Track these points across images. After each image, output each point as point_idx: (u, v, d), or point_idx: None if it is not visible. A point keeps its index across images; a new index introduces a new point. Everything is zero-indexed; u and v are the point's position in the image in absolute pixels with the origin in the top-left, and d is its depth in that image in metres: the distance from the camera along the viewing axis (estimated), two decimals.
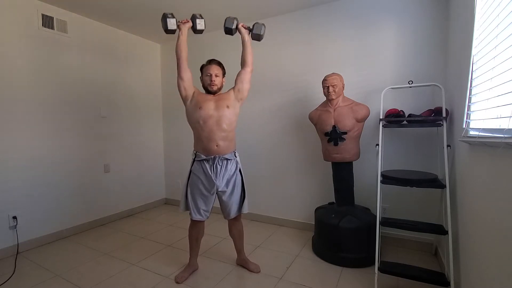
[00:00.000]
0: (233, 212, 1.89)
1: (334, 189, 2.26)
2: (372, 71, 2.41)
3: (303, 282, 1.85)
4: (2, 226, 2.24)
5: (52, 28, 2.56)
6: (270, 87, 2.92)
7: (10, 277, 1.93)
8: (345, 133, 2.05)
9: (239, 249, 2.05)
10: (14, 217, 2.30)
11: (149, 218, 3.22)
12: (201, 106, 1.78)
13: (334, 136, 2.08)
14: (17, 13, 2.32)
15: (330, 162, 2.23)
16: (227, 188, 1.84)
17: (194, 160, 1.85)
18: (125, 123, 3.27)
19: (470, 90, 1.37)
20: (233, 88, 1.89)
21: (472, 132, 1.32)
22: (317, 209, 2.39)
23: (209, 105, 1.79)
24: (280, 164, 2.92)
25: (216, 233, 2.71)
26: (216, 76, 1.84)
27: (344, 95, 2.18)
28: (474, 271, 1.27)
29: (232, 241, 2.06)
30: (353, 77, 2.44)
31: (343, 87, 2.13)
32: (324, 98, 2.21)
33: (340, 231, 2.03)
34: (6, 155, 2.26)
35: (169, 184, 3.82)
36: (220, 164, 1.80)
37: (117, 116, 3.18)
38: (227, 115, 1.80)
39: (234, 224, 1.98)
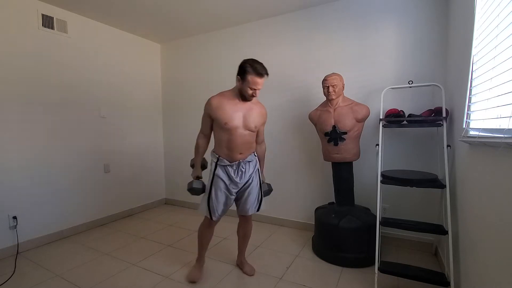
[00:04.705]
0: (252, 208, 1.84)
1: (334, 189, 2.26)
2: (372, 71, 2.41)
3: (303, 282, 1.85)
4: (2, 226, 2.24)
5: (52, 28, 2.56)
6: (269, 87, 2.92)
7: (10, 277, 1.93)
8: (345, 133, 2.05)
9: (241, 249, 2.04)
10: (14, 217, 2.30)
11: (149, 218, 3.22)
12: (227, 122, 1.67)
13: (334, 136, 2.09)
14: (17, 13, 2.32)
15: (330, 162, 2.23)
16: (249, 186, 1.81)
17: (216, 164, 1.77)
18: (125, 123, 3.27)
19: (470, 90, 1.37)
20: (262, 122, 1.88)
21: (472, 132, 1.32)
22: (317, 209, 2.39)
23: (238, 117, 1.69)
24: (280, 164, 2.92)
25: (216, 233, 2.67)
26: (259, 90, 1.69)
27: (344, 95, 2.18)
28: (474, 271, 1.27)
29: (235, 240, 2.05)
30: (353, 77, 2.44)
31: (343, 87, 2.13)
32: (324, 98, 2.21)
33: (340, 231, 2.03)
34: (6, 155, 2.26)
35: (169, 184, 3.82)
36: (244, 168, 1.78)
37: (117, 116, 3.18)
38: (252, 134, 1.78)
39: (245, 224, 1.95)
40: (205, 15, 2.84)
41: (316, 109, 2.28)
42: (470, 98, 1.38)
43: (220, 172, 1.76)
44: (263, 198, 1.89)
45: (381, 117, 1.99)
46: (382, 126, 1.96)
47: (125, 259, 2.19)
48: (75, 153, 2.75)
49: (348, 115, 2.06)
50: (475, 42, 1.33)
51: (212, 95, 1.76)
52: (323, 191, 2.66)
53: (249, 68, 1.61)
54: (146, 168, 3.55)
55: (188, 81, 3.55)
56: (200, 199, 1.85)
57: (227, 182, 1.76)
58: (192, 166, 1.95)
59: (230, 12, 2.77)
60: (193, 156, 1.94)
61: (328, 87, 2.07)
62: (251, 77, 1.61)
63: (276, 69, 2.85)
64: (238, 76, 1.66)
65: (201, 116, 1.81)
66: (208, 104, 1.72)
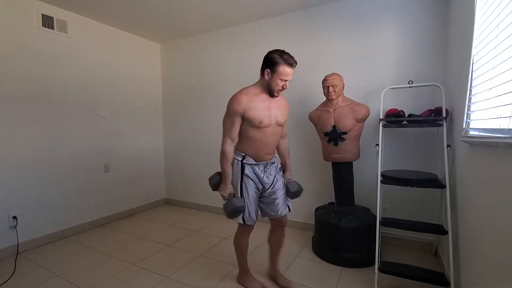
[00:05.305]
0: (281, 209, 1.71)
1: (334, 189, 2.26)
2: (372, 71, 2.41)
3: (303, 282, 1.85)
4: (2, 226, 2.24)
5: (52, 28, 2.56)
6: None
7: (10, 277, 1.93)
8: (345, 133, 2.05)
9: (274, 258, 1.85)
10: (14, 217, 2.30)
11: (149, 218, 3.22)
12: (263, 120, 1.56)
13: (334, 136, 2.09)
14: (17, 13, 2.32)
15: (330, 162, 2.23)
16: (275, 187, 1.69)
17: (243, 164, 1.63)
18: (125, 123, 3.27)
19: (470, 90, 1.37)
20: (287, 115, 1.74)
21: (472, 132, 1.32)
22: (317, 209, 2.39)
23: (269, 113, 1.58)
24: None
25: (216, 233, 2.71)
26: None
27: (344, 95, 2.18)
28: (474, 271, 1.27)
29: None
30: (353, 77, 2.44)
31: (343, 87, 2.13)
32: (324, 98, 2.21)
33: (340, 231, 2.03)
34: (6, 155, 2.26)
35: (169, 184, 3.82)
36: (269, 169, 1.69)
37: (117, 116, 3.18)
38: (280, 129, 1.70)
39: (280, 229, 1.80)
40: (205, 15, 2.84)
41: (316, 109, 2.28)
42: (470, 98, 1.38)
43: (248, 171, 1.62)
44: (293, 199, 1.78)
45: (381, 117, 1.99)
46: (382, 126, 1.96)
47: (125, 259, 2.19)
48: (75, 153, 2.75)
49: (348, 115, 2.06)
50: (475, 42, 1.33)
51: (236, 92, 1.59)
52: (323, 191, 2.65)
53: (279, 59, 1.48)
54: (146, 168, 3.55)
55: (188, 81, 3.55)
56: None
57: (256, 181, 1.64)
58: (215, 185, 1.67)
59: (230, 12, 2.77)
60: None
61: (328, 87, 2.07)
62: (283, 67, 1.48)
63: None
64: (268, 70, 1.51)
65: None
66: (237, 103, 1.52)
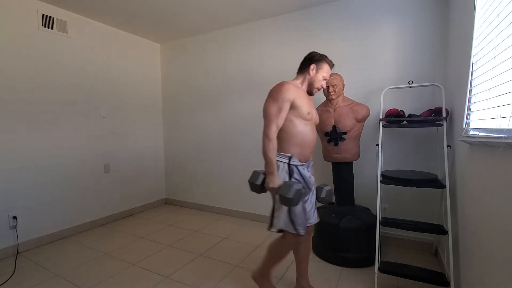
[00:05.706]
0: (315, 215, 1.64)
1: (334, 189, 2.26)
2: (372, 71, 2.41)
3: None
4: (2, 226, 2.25)
5: (52, 28, 2.56)
6: (269, 87, 2.92)
7: (10, 277, 1.93)
8: (345, 133, 2.05)
9: (303, 272, 1.70)
10: (14, 217, 2.30)
11: (149, 218, 3.22)
12: (310, 111, 1.50)
13: (334, 136, 2.09)
14: (17, 13, 2.32)
15: (330, 162, 2.23)
16: (313, 192, 1.63)
17: (290, 165, 1.47)
18: (125, 123, 3.27)
19: (470, 90, 1.37)
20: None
21: (472, 132, 1.32)
22: (317, 209, 2.39)
23: (312, 110, 1.55)
24: None
25: (216, 233, 2.71)
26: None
27: (344, 95, 2.18)
28: (474, 271, 1.27)
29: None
30: (353, 77, 2.44)
31: (343, 87, 2.13)
32: (324, 98, 2.21)
33: (340, 231, 2.03)
34: (6, 155, 2.26)
35: (169, 184, 3.82)
36: (310, 170, 1.59)
37: (117, 116, 3.18)
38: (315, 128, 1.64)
39: (309, 238, 1.68)
40: (205, 15, 2.84)
41: (316, 109, 2.27)
42: (470, 98, 1.38)
43: (296, 175, 1.48)
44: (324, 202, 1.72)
45: (381, 117, 1.99)
46: (382, 126, 1.96)
47: (125, 259, 2.19)
48: (75, 153, 2.75)
49: (348, 115, 2.06)
50: (475, 42, 1.33)
51: (284, 81, 1.52)
52: None
53: (321, 57, 1.53)
54: (146, 168, 3.56)
55: (188, 81, 3.55)
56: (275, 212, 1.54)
57: (304, 185, 1.47)
58: (261, 185, 1.45)
59: (230, 12, 2.77)
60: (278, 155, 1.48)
61: (328, 87, 2.07)
62: (326, 65, 1.53)
63: (275, 69, 2.85)
64: (314, 65, 1.51)
65: (264, 105, 1.48)
66: (286, 90, 1.43)
